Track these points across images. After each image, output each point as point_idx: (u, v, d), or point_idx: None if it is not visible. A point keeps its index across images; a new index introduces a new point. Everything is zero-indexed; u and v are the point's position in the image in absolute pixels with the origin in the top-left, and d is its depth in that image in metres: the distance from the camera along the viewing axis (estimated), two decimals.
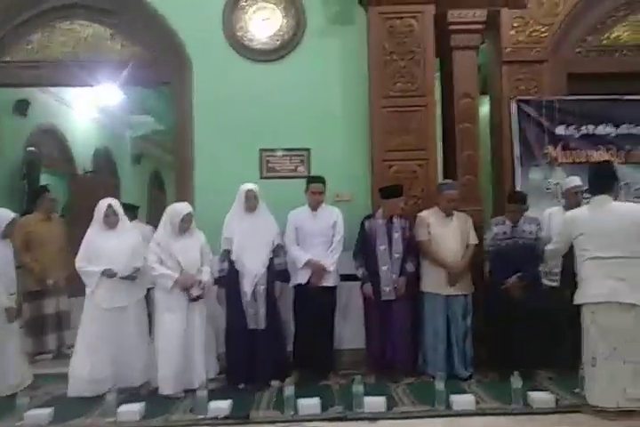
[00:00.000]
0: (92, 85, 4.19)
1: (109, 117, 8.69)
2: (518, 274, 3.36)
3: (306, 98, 4.01)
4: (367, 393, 2.87)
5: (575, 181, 3.55)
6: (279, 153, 4.00)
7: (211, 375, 3.36)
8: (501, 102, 4.12)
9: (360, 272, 3.53)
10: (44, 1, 4.02)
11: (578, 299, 2.79)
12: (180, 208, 3.41)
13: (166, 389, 3.18)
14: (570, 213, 3.01)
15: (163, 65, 4.12)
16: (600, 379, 2.67)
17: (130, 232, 3.50)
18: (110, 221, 3.38)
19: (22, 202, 6.08)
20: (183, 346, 3.24)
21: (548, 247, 3.12)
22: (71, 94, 7.23)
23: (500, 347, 3.39)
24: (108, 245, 3.35)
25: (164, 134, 9.82)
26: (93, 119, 8.26)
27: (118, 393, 2.94)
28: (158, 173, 11.40)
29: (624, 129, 4.06)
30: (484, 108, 4.58)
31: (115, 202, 3.48)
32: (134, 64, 4.08)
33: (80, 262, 3.34)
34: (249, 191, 3.47)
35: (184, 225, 3.36)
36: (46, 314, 4.24)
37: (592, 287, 2.72)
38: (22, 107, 5.99)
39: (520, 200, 3.54)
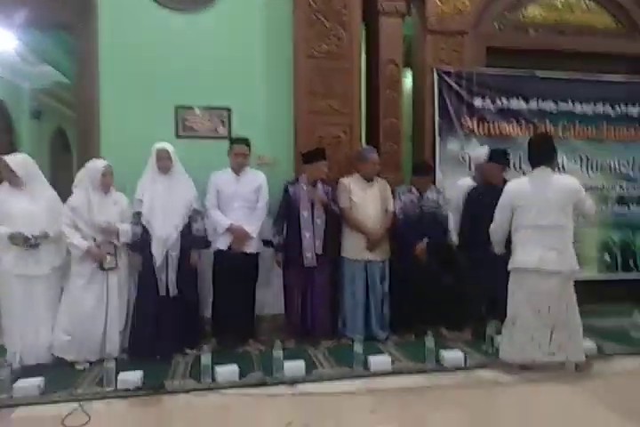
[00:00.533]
0: None
1: (3, 66, 7.69)
2: (425, 239, 3.50)
3: (227, 53, 3.75)
4: (287, 358, 2.88)
5: (483, 151, 3.68)
6: (197, 111, 3.74)
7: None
8: (424, 72, 4.13)
9: (276, 240, 3.47)
10: None
11: (510, 264, 2.96)
12: (99, 163, 3.17)
13: (64, 353, 3.01)
14: (510, 185, 3.06)
15: (64, 6, 3.62)
16: (518, 337, 2.88)
17: (44, 193, 3.13)
18: (11, 179, 3.00)
19: None
20: (93, 315, 3.07)
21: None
22: None
23: (410, 308, 3.53)
24: (18, 206, 2.99)
25: (69, 88, 8.93)
26: None
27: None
28: (63, 131, 10.40)
29: (533, 104, 4.27)
30: (408, 80, 4.61)
31: (12, 158, 3.06)
32: (32, 4, 3.56)
33: None
34: (161, 151, 3.25)
35: (106, 180, 3.14)
36: None
37: (525, 254, 2.88)
38: None
39: (426, 171, 3.67)
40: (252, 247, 3.42)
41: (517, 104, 4.23)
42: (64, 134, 10.60)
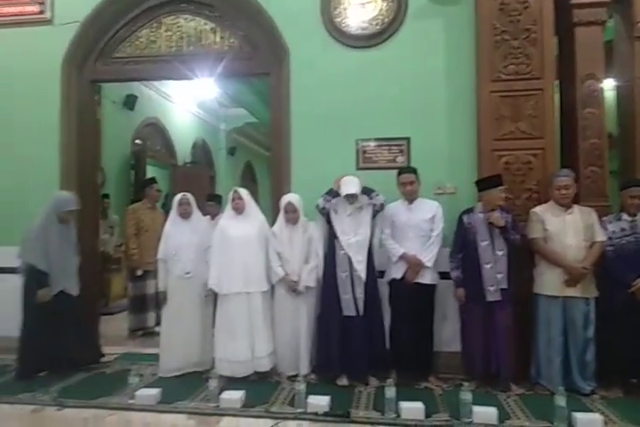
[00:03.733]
0: (192, 79, 4.28)
1: (206, 110, 9.05)
2: None
3: (406, 84, 3.79)
4: (473, 402, 2.67)
5: None
6: (376, 143, 3.83)
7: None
8: (632, 84, 3.62)
9: (454, 275, 3.30)
10: None
11: None
12: (286, 197, 3.52)
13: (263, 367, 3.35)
14: None
15: (262, 56, 4.10)
16: None
17: (258, 217, 3.57)
18: (237, 206, 3.50)
19: (129, 191, 6.51)
20: (289, 332, 3.39)
21: None
22: (172, 88, 7.61)
23: (624, 358, 3.00)
24: (236, 230, 3.45)
25: (257, 127, 10.09)
26: (191, 112, 8.63)
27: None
28: (250, 164, 11.74)
29: None
30: (609, 92, 4.08)
31: (240, 188, 3.62)
32: (234, 56, 4.11)
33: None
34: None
35: (288, 215, 3.43)
36: (147, 294, 4.55)
37: None
38: (131, 101, 6.38)
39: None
40: (427, 278, 3.31)
41: None
42: (251, 167, 11.94)
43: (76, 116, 4.20)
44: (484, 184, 3.26)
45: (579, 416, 2.54)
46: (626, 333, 3.00)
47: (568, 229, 3.13)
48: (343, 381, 3.25)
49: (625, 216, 3.14)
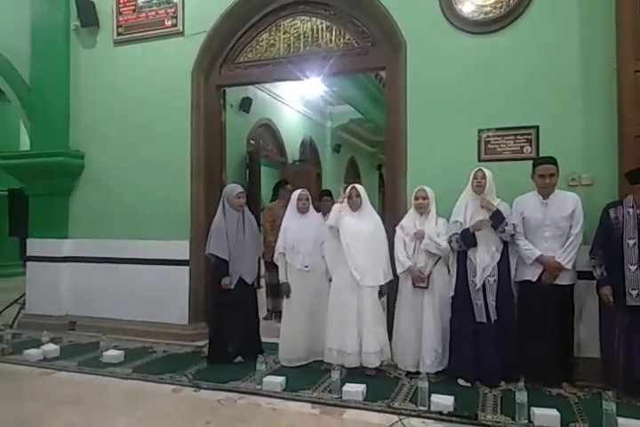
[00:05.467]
0: (307, 78, 4.38)
1: (313, 109, 9.27)
2: None
3: (534, 70, 3.53)
4: (619, 412, 2.44)
5: None
6: (500, 132, 3.62)
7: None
8: None
9: (598, 273, 3.01)
10: (271, 1, 4.34)
11: None
12: (416, 190, 3.49)
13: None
14: None
15: (378, 50, 4.08)
16: None
17: (373, 216, 3.58)
18: (353, 203, 3.53)
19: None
20: (407, 328, 3.38)
21: None
22: (281, 89, 7.89)
23: None
24: (356, 226, 3.48)
25: (361, 122, 10.12)
26: (299, 111, 8.88)
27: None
28: (354, 160, 11.82)
29: None
30: None
31: (357, 185, 3.62)
32: (349, 53, 4.15)
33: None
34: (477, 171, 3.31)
35: (418, 202, 3.44)
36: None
37: None
38: (247, 104, 6.74)
39: None
40: (565, 279, 3.08)
41: None
42: (355, 163, 12.02)
43: (204, 120, 4.52)
44: (636, 176, 2.92)
45: None
46: None
47: None
48: (462, 382, 3.15)
49: None
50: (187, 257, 4.43)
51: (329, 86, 7.96)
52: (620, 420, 2.42)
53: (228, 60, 4.53)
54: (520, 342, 3.19)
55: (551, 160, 3.14)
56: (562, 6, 3.50)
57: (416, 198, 3.44)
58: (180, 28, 4.51)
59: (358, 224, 3.45)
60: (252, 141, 7.08)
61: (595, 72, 3.39)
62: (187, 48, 4.48)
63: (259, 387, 3.11)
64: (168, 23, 4.54)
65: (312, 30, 4.30)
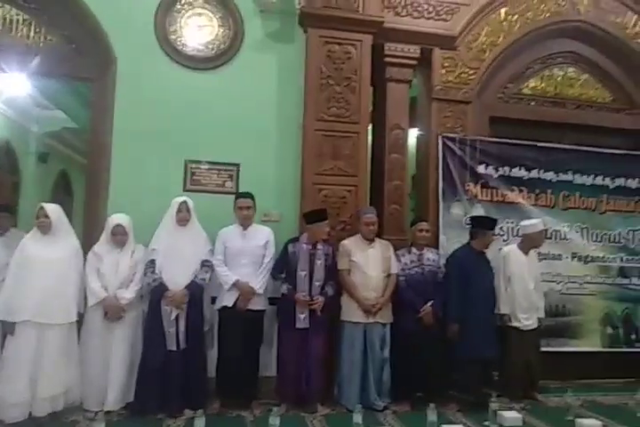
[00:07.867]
0: (5, 71, 3.74)
1: (15, 109, 7.88)
2: (430, 302, 3.45)
3: (238, 111, 3.86)
4: (282, 425, 2.73)
5: (539, 224, 3.82)
6: (206, 166, 3.81)
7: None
8: (429, 136, 4.24)
9: (284, 288, 3.38)
10: None
11: None
12: (114, 218, 3.23)
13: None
14: None
15: (84, 60, 3.79)
16: None
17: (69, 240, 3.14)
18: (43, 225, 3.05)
19: None
20: (95, 363, 3.09)
21: None
22: None
23: (409, 376, 3.42)
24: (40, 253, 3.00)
25: (76, 133, 9.09)
26: None
27: None
28: (66, 173, 10.48)
29: (534, 173, 4.34)
30: (412, 140, 4.72)
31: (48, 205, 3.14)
32: (51, 55, 3.74)
33: None
34: (182, 203, 3.28)
35: (115, 237, 3.19)
36: None
37: None
38: None
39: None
40: (258, 304, 3.37)
41: (519, 173, 4.30)
42: (67, 177, 10.68)
43: None
44: (311, 217, 3.42)
45: None
46: (414, 353, 3.40)
47: (370, 262, 3.47)
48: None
49: (414, 250, 3.62)
50: None
51: (38, 87, 6.93)
52: None
53: None
54: (218, 368, 3.31)
55: (248, 195, 3.46)
56: (264, 61, 3.98)
57: (114, 235, 3.21)
58: None
59: (45, 250, 3.03)
60: None
61: (288, 124, 3.94)
62: None
63: None
64: None
65: (4, 19, 3.70)
